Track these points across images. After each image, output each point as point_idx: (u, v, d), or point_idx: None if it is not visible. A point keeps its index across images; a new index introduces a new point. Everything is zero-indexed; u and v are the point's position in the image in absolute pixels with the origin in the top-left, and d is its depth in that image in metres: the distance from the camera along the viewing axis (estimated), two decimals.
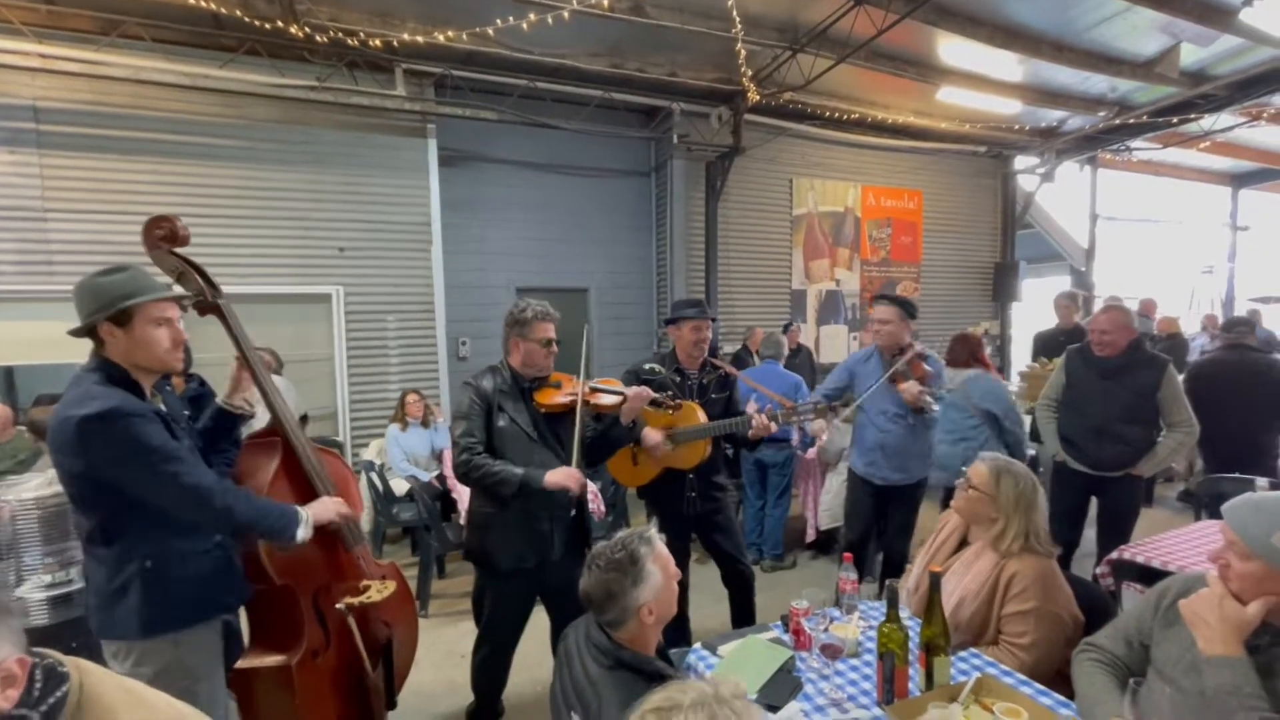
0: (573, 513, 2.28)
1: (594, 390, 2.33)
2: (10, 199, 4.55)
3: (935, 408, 2.85)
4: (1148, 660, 1.42)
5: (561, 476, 2.11)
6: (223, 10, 4.38)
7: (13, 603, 0.91)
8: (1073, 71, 6.11)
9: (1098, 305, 5.39)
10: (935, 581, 1.52)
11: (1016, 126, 7.63)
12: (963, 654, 1.67)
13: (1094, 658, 1.47)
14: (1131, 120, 7.05)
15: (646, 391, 2.33)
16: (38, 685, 0.93)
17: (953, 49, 5.69)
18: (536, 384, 2.31)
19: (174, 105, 4.85)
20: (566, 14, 4.47)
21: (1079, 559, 3.32)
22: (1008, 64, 6.02)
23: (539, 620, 2.40)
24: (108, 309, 1.52)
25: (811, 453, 4.29)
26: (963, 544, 1.96)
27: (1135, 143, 8.00)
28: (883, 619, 1.53)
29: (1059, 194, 8.91)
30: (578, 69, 5.59)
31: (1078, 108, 7.04)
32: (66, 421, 1.45)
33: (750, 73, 5.69)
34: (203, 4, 4.29)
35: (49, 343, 4.61)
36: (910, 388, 2.78)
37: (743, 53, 5.32)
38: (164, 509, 1.55)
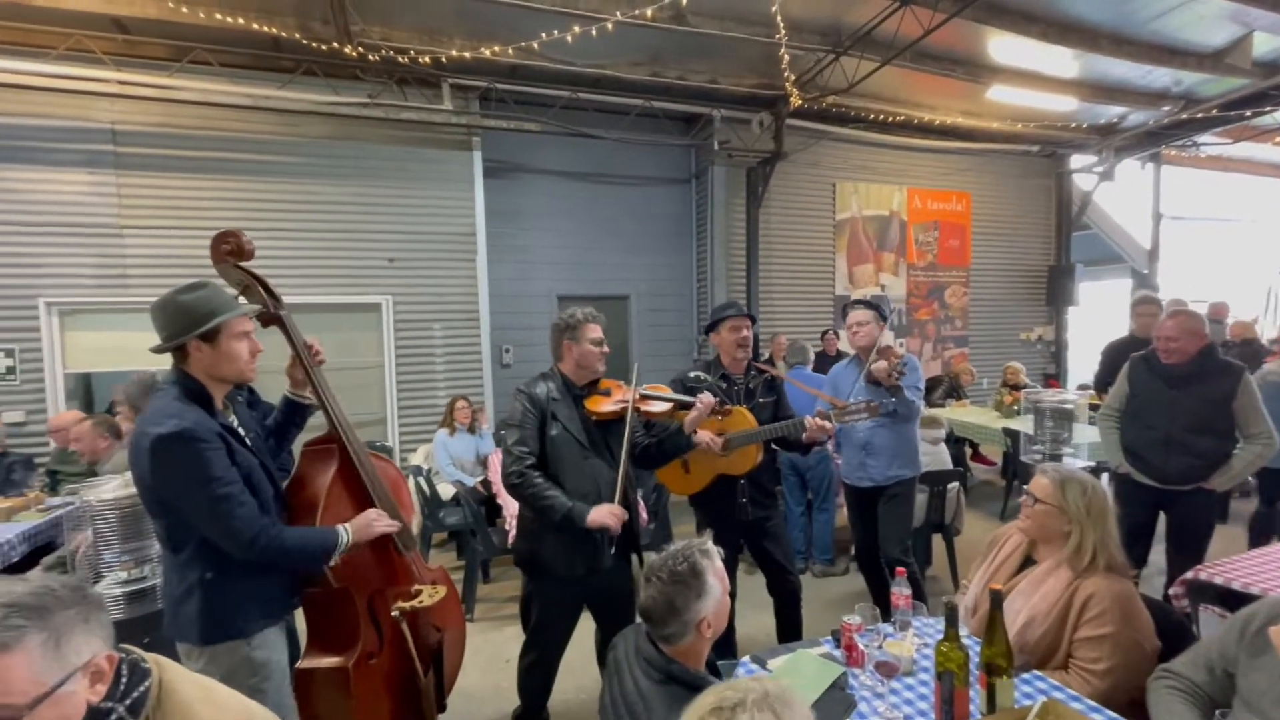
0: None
1: (644, 397, 2.32)
2: (90, 216, 4.86)
3: (909, 397, 2.84)
4: (1231, 690, 1.33)
5: (604, 515, 2.12)
6: (282, 34, 4.60)
7: (102, 598, 0.97)
8: (1133, 65, 5.85)
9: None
10: (996, 600, 1.46)
11: (1072, 124, 7.34)
12: (1026, 676, 1.60)
13: (1172, 685, 1.39)
14: (1199, 114, 6.71)
15: (711, 400, 2.32)
16: (123, 680, 0.97)
17: (1004, 46, 5.53)
18: (587, 391, 2.32)
19: (237, 125, 5.11)
20: (610, 25, 4.53)
21: (1148, 577, 3.15)
22: (1063, 60, 5.81)
23: (584, 627, 2.40)
24: (199, 325, 1.59)
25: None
26: (1025, 563, 1.87)
27: (1203, 137, 7.60)
28: (940, 637, 1.48)
29: (1119, 193, 8.52)
30: (618, 79, 5.64)
31: (1139, 103, 6.74)
32: (143, 437, 1.52)
33: (793, 77, 5.65)
34: (265, 29, 4.52)
35: (124, 351, 4.91)
36: (881, 365, 2.77)
37: (785, 57, 5.28)
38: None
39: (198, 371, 1.64)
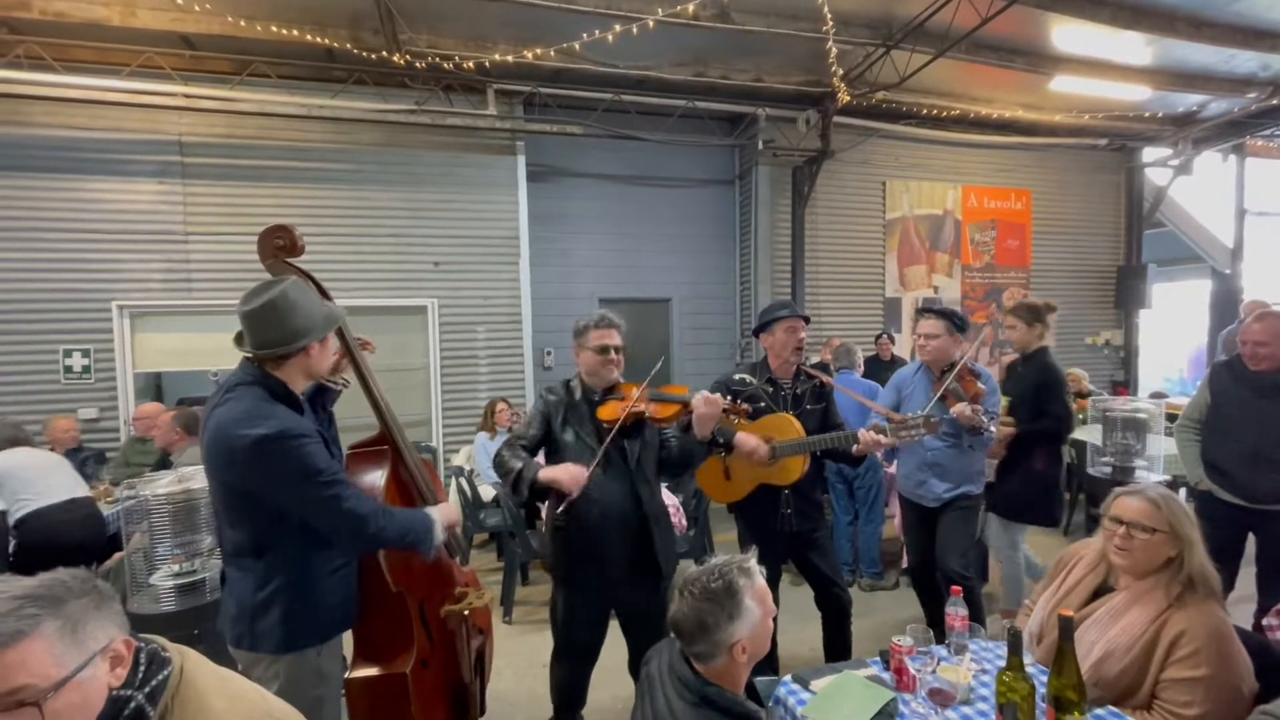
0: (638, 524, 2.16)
1: (653, 399, 2.14)
2: (159, 224, 5.11)
3: (991, 428, 2.65)
4: None
5: (558, 471, 1.99)
6: (335, 45, 4.75)
7: (113, 589, 0.96)
8: (1214, 50, 5.44)
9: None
10: (1067, 628, 1.33)
11: (1145, 114, 6.90)
12: (1099, 712, 1.46)
13: None
14: None
15: (716, 400, 2.07)
16: (142, 668, 0.98)
17: (1068, 34, 5.22)
18: (604, 397, 2.19)
19: (292, 134, 5.29)
20: (651, 23, 4.49)
21: (1234, 604, 2.88)
22: (1134, 46, 5.45)
23: (621, 635, 2.35)
24: (330, 326, 1.64)
25: (894, 466, 4.01)
26: (1099, 589, 1.69)
27: None
28: (1000, 664, 1.36)
29: (1197, 188, 7.96)
30: (662, 79, 5.60)
31: (1221, 90, 6.26)
32: (240, 439, 1.44)
33: (840, 73, 5.48)
34: (319, 40, 4.67)
35: (189, 352, 5.14)
36: (963, 409, 2.58)
37: (832, 52, 5.13)
38: (317, 528, 1.57)
39: (293, 373, 1.60)
